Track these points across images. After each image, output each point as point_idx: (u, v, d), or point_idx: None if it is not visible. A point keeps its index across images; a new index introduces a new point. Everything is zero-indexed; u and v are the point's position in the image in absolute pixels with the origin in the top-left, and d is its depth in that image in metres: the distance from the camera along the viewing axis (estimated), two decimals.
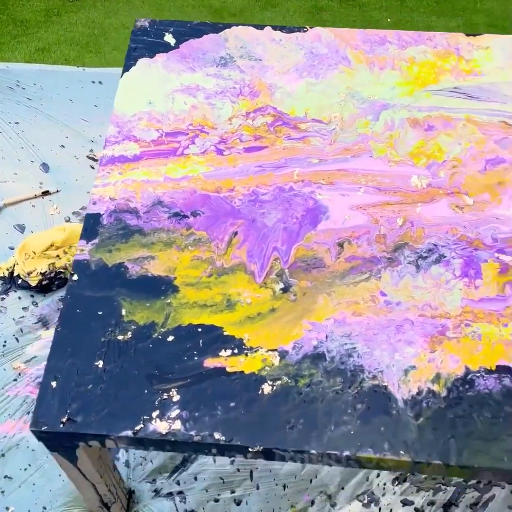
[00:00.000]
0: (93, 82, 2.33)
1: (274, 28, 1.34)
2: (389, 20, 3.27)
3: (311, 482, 1.33)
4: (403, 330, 0.99)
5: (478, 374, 0.96)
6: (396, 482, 1.33)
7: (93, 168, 2.03)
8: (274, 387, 0.95)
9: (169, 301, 1.03)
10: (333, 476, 1.34)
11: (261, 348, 0.98)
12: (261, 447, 0.91)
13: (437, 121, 1.21)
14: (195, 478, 1.33)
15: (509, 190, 1.12)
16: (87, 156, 2.08)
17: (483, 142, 1.18)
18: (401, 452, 0.90)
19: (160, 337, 0.99)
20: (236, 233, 1.09)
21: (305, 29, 1.34)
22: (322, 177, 1.14)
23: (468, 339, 0.99)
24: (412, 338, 0.99)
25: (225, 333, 1.00)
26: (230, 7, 3.35)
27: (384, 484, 1.32)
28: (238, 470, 1.34)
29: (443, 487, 1.32)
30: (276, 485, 1.32)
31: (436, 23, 3.26)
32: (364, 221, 1.09)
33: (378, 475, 1.33)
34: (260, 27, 1.34)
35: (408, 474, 1.33)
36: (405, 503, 1.30)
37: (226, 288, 1.04)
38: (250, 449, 0.91)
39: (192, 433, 0.92)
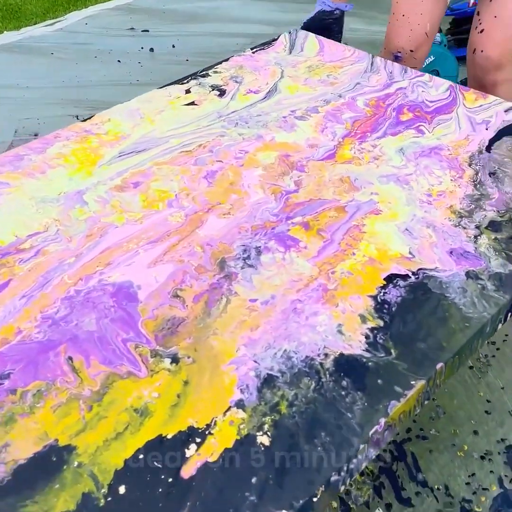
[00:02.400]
0: None
1: None
2: None
3: None
4: (299, 310, 0.96)
5: (382, 294, 0.99)
6: None
7: None
8: (268, 432, 0.80)
9: (75, 463, 0.76)
10: None
11: (216, 417, 0.81)
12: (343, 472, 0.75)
13: (135, 177, 1.22)
14: None
15: (243, 184, 1.21)
16: None
17: (188, 171, 1.24)
18: (412, 382, 0.86)
19: (109, 498, 0.72)
20: (71, 358, 0.88)
21: None
22: (95, 265, 1.02)
23: (345, 280, 1.01)
24: (312, 309, 0.96)
25: (168, 437, 0.79)
26: None
27: None
28: None
29: None
30: None
31: None
32: (173, 268, 1.02)
33: None
34: None
35: None
36: None
37: (120, 404, 0.82)
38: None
39: None
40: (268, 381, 0.86)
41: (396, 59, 1.75)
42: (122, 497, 0.73)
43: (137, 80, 2.75)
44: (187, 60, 2.91)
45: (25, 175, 1.22)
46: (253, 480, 0.75)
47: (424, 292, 0.99)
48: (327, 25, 1.73)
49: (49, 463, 0.76)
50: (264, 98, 1.48)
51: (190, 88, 1.51)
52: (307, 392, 0.85)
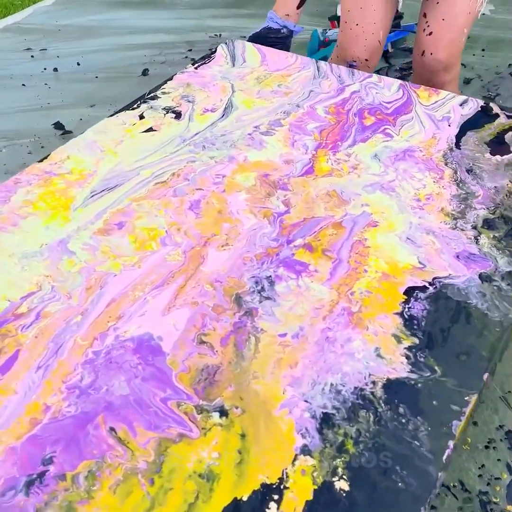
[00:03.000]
0: None
1: None
2: None
3: None
4: (332, 338, 0.93)
5: (407, 310, 0.98)
6: None
7: None
8: (343, 475, 0.77)
9: None
10: None
11: (285, 468, 0.78)
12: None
13: (116, 217, 1.15)
14: None
15: (231, 211, 1.17)
16: None
17: (170, 203, 1.18)
18: (466, 398, 0.86)
19: None
20: (113, 429, 0.82)
21: None
22: (105, 321, 0.95)
23: (366, 299, 1.00)
24: (344, 335, 0.94)
25: (244, 499, 0.75)
26: None
27: None
28: None
29: None
30: None
31: None
32: (189, 312, 0.97)
33: None
34: None
35: None
36: None
37: (182, 471, 0.77)
38: None
39: None
40: (325, 421, 0.83)
41: (351, 68, 1.72)
42: None
43: (48, 103, 2.62)
44: (96, 77, 2.80)
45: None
46: None
47: (446, 301, 1.00)
48: (271, 44, 1.69)
49: None
50: (222, 116, 1.44)
51: (142, 113, 1.44)
52: (369, 426, 0.83)
